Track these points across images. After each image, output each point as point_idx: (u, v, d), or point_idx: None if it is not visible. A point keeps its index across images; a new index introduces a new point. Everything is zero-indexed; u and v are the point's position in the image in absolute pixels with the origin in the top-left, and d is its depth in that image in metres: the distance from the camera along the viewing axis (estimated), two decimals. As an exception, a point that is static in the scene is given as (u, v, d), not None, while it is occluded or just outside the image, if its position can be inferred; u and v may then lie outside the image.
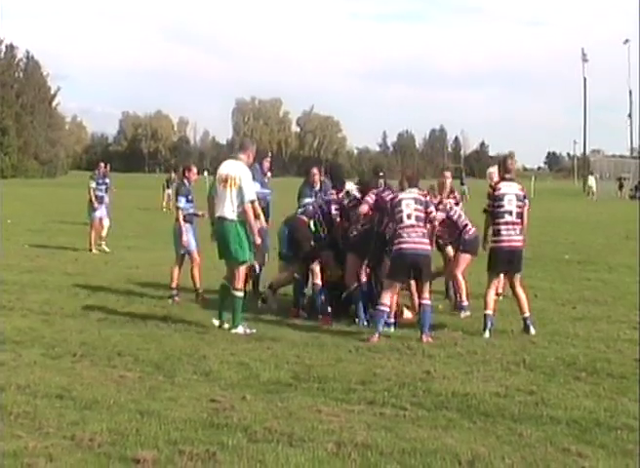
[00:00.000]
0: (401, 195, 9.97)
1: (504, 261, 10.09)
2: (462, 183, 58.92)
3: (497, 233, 10.10)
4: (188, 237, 12.63)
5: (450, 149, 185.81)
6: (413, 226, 9.74)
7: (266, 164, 12.70)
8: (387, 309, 9.76)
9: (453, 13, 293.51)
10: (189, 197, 12.64)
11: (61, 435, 5.95)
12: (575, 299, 12.75)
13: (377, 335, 9.46)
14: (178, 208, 12.70)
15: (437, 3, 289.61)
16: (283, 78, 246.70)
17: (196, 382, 7.57)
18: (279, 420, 6.38)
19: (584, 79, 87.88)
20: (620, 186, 71.33)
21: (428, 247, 9.95)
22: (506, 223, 10.04)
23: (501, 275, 10.62)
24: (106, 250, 19.34)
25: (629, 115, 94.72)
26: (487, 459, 5.60)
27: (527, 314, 10.05)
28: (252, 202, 9.96)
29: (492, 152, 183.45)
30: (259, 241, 10.01)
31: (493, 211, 10.13)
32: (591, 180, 70.17)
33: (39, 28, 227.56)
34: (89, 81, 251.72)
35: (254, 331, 9.78)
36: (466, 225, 11.61)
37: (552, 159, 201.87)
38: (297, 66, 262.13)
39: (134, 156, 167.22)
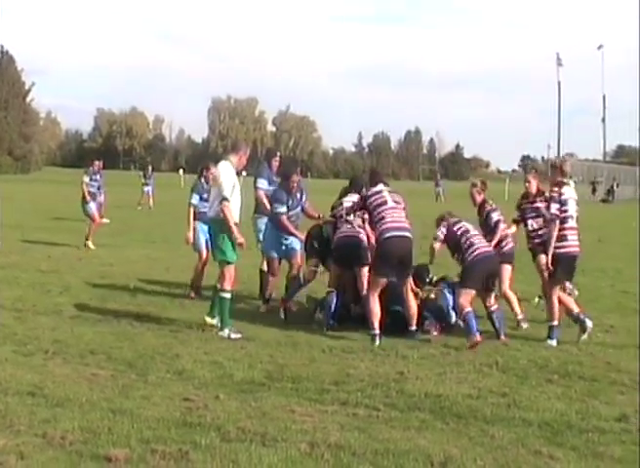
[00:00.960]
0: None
1: (572, 268, 10.01)
2: (437, 185, 59.19)
3: (563, 238, 9.80)
4: (198, 236, 12.62)
5: (425, 151, 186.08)
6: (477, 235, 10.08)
7: (275, 163, 12.45)
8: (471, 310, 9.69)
9: (431, 15, 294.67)
10: (204, 196, 12.42)
11: (33, 433, 5.91)
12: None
13: (478, 335, 9.41)
14: (189, 204, 12.71)
15: (414, 5, 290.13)
16: (259, 77, 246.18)
17: (169, 381, 7.54)
18: (252, 420, 6.37)
19: (559, 83, 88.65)
20: (594, 190, 71.93)
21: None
22: (571, 228, 9.91)
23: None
24: (91, 247, 19.24)
25: (603, 120, 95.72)
26: (459, 461, 5.62)
27: (556, 322, 9.84)
28: (225, 199, 9.76)
29: (467, 154, 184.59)
30: (240, 240, 9.78)
31: (558, 216, 9.81)
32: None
33: (13, 23, 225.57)
34: (64, 77, 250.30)
35: (239, 335, 9.57)
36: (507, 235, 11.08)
37: (527, 162, 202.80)
38: (273, 66, 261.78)
39: (108, 153, 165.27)
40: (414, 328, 9.88)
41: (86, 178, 20.70)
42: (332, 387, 7.47)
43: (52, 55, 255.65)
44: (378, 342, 9.43)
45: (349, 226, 10.53)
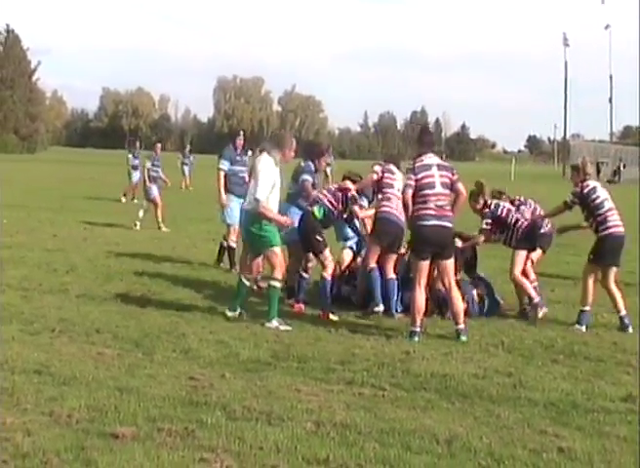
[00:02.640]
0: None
1: (619, 250, 10.03)
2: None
3: (604, 222, 9.85)
4: (230, 209, 12.71)
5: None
6: None
7: (239, 142, 12.94)
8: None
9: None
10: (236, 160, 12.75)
11: (39, 411, 5.92)
12: (554, 282, 12.82)
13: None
14: (219, 169, 12.79)
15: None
16: (265, 57, 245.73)
17: (175, 360, 7.56)
18: (258, 399, 6.38)
19: (566, 63, 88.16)
20: (598, 171, 71.76)
21: None
22: (610, 209, 9.95)
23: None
24: (165, 229, 19.33)
25: (610, 100, 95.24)
26: (464, 439, 5.63)
27: (623, 312, 9.78)
28: (259, 201, 9.29)
29: (473, 135, 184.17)
30: (287, 221, 9.65)
31: (590, 205, 9.93)
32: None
33: (19, 2, 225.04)
34: (70, 56, 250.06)
35: (289, 328, 9.13)
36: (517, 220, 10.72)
37: (533, 142, 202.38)
38: (279, 46, 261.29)
39: (114, 133, 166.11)
40: (461, 326, 8.98)
41: (148, 164, 20.73)
42: (337, 366, 7.48)
43: (58, 34, 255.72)
44: (417, 340, 8.78)
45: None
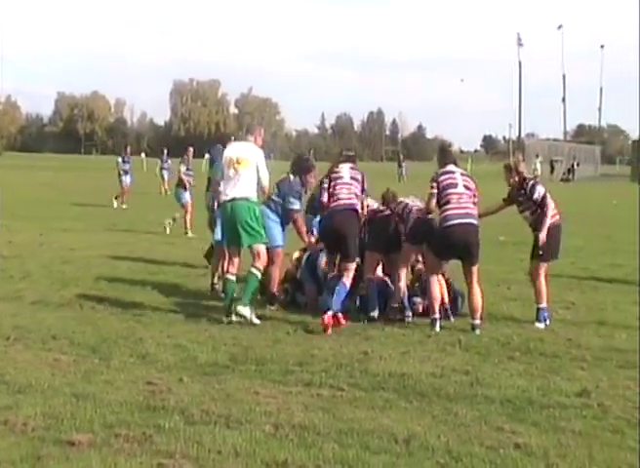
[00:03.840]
0: None
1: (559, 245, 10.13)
2: (400, 166, 59.32)
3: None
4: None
5: (388, 132, 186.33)
6: None
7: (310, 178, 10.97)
8: None
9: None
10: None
11: (-6, 420, 5.86)
12: (509, 280, 12.93)
13: None
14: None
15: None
16: (221, 60, 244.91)
17: (132, 365, 7.51)
18: (216, 402, 6.36)
19: (520, 63, 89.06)
20: (552, 169, 72.65)
21: None
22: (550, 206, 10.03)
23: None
24: (191, 235, 19.05)
25: (563, 99, 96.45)
26: (422, 438, 5.67)
27: (543, 304, 9.78)
28: (265, 187, 9.76)
29: (429, 135, 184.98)
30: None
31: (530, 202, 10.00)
32: (537, 164, 71.41)
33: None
34: (23, 61, 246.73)
35: (258, 321, 9.37)
36: None
37: (488, 142, 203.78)
38: (235, 48, 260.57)
39: (70, 137, 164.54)
40: (477, 321, 9.28)
41: (182, 168, 20.48)
42: (296, 368, 7.48)
43: (10, 38, 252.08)
44: (437, 327, 9.23)
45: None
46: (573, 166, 74.49)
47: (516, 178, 10.09)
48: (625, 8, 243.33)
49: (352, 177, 9.83)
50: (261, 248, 9.72)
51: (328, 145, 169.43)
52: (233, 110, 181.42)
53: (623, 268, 14.62)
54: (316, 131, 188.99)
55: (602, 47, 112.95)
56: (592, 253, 16.90)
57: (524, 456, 5.42)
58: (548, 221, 9.81)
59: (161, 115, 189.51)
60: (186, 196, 20.03)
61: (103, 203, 28.92)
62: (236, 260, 9.92)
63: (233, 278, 9.80)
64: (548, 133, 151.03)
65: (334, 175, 9.82)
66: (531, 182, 10.02)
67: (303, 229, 10.57)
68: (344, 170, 9.88)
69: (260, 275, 9.70)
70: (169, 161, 36.49)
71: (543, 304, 9.76)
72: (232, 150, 9.99)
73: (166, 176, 35.43)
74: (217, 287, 11.44)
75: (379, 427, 5.87)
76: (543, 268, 9.90)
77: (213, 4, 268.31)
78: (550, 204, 9.93)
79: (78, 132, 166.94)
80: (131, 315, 9.72)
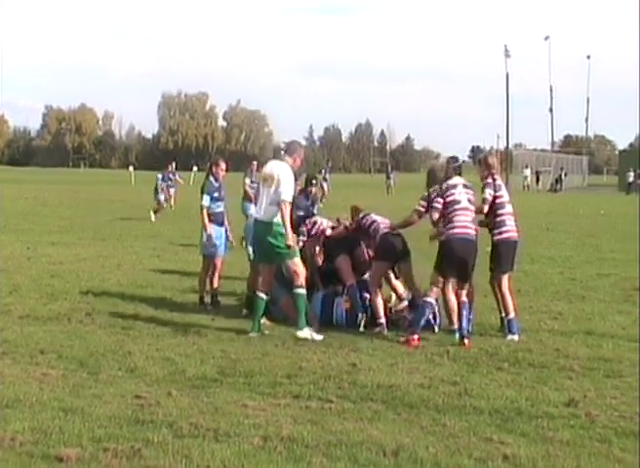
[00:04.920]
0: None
1: (513, 255, 10.04)
2: (388, 177, 59.35)
3: (502, 224, 9.85)
4: (212, 239, 11.57)
5: (376, 143, 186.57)
6: None
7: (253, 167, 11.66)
8: None
9: (378, 7, 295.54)
10: (215, 195, 11.65)
11: (-18, 435, 5.84)
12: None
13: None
14: (201, 207, 11.59)
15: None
16: (209, 72, 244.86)
17: (121, 379, 7.50)
18: (205, 415, 6.36)
19: (507, 74, 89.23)
20: (537, 180, 73.00)
21: None
22: (509, 214, 9.95)
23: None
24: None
25: (550, 110, 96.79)
26: (411, 449, 5.68)
27: (511, 315, 9.73)
28: (284, 202, 9.44)
29: (417, 146, 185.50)
30: (291, 242, 9.49)
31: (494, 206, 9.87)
32: (527, 173, 71.68)
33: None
34: (11, 74, 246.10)
35: (321, 337, 9.21)
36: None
37: (476, 153, 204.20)
38: (223, 60, 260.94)
39: (57, 151, 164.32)
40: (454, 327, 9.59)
41: (247, 180, 20.39)
42: (284, 380, 7.48)
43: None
44: (457, 336, 9.30)
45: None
46: (560, 176, 74.74)
47: (485, 173, 9.99)
48: (611, 19, 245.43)
49: None
50: (296, 264, 9.56)
51: (316, 157, 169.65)
52: (221, 123, 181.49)
53: (611, 278, 14.67)
54: (304, 142, 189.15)
55: (588, 57, 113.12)
56: (580, 263, 16.95)
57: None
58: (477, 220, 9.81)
59: (149, 128, 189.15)
60: (251, 209, 19.96)
61: (90, 215, 28.89)
62: (267, 278, 9.79)
63: (264, 296, 9.65)
64: (536, 143, 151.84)
65: None
66: (492, 180, 9.85)
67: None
68: None
69: (304, 292, 9.53)
70: (176, 175, 34.92)
71: (512, 315, 9.67)
72: (266, 168, 9.85)
73: (171, 191, 33.44)
74: (205, 300, 11.44)
75: (367, 439, 5.87)
76: (505, 279, 9.88)
77: (200, 17, 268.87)
78: (502, 210, 9.80)
79: (66, 145, 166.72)
80: (119, 328, 9.71)
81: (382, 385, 7.32)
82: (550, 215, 33.73)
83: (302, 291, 9.51)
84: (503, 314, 9.77)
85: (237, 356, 8.39)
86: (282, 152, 10.29)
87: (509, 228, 9.83)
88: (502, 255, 9.78)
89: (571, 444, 5.87)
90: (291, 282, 9.71)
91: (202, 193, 11.68)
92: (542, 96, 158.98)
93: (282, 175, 9.60)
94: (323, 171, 53.79)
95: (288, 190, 9.56)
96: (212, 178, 11.84)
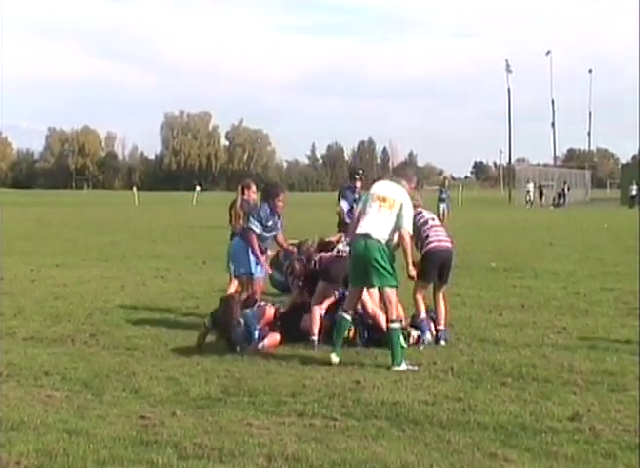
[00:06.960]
0: None
1: (443, 266, 10.47)
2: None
3: (427, 237, 10.39)
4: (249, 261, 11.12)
5: (379, 160, 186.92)
6: None
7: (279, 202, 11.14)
8: None
9: (378, 24, 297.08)
10: (264, 223, 11.01)
11: (-13, 458, 5.85)
12: (501, 306, 12.97)
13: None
14: (250, 230, 10.94)
15: (363, 14, 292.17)
16: (212, 92, 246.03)
17: (125, 399, 7.51)
18: (209, 435, 6.36)
19: (509, 89, 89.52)
20: (541, 194, 73.03)
21: None
22: (434, 227, 10.59)
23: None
24: None
25: (553, 124, 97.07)
26: (416, 467, 5.67)
27: (442, 327, 10.19)
28: (406, 230, 9.23)
29: (420, 162, 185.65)
30: (412, 273, 9.39)
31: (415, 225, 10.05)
32: (530, 187, 71.65)
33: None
34: (13, 96, 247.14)
35: (416, 368, 8.85)
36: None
37: (479, 168, 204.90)
38: (225, 80, 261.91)
39: (60, 172, 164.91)
40: (442, 326, 10.21)
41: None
42: (288, 399, 7.48)
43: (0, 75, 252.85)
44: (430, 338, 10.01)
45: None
46: (563, 190, 74.79)
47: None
48: (613, 33, 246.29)
49: None
50: (392, 294, 9.18)
51: (319, 175, 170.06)
52: (224, 142, 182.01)
53: (615, 291, 14.66)
54: (307, 161, 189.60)
55: (590, 72, 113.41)
56: (583, 278, 16.94)
57: (517, 483, 5.44)
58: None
59: (152, 148, 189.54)
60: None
61: (93, 236, 28.94)
62: (356, 298, 9.52)
63: (349, 317, 9.40)
64: (539, 157, 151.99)
65: None
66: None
67: (256, 246, 10.86)
68: None
69: (399, 326, 9.20)
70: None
71: (441, 326, 10.18)
72: (381, 187, 9.56)
73: None
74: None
75: (372, 457, 5.87)
76: (425, 289, 10.31)
77: (202, 37, 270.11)
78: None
79: (69, 167, 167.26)
80: (123, 349, 9.72)
81: (387, 402, 7.32)
82: (553, 230, 33.74)
83: (397, 325, 9.13)
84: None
85: (241, 375, 8.40)
86: (395, 175, 10.24)
87: (436, 238, 10.37)
88: (430, 267, 10.26)
89: (575, 459, 5.86)
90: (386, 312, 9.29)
91: (248, 217, 11.26)
92: (545, 110, 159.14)
93: (405, 202, 9.33)
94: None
95: (410, 219, 9.38)
96: (266, 206, 11.11)
